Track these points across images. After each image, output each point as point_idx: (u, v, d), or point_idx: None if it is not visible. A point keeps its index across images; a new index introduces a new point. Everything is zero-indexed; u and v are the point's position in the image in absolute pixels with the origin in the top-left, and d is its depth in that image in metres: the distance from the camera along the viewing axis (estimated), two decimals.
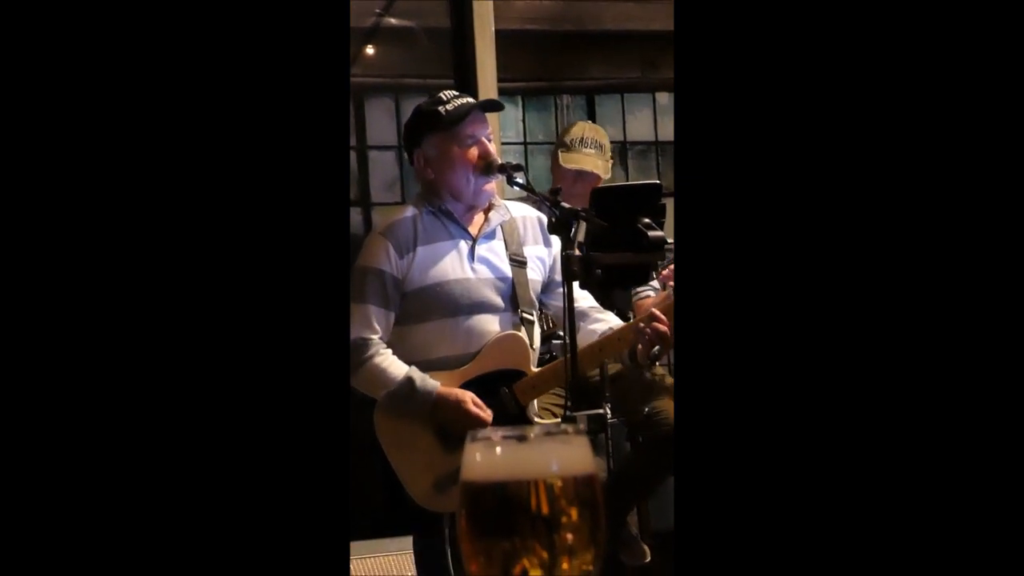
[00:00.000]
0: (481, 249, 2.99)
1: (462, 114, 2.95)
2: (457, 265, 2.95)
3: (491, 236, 3.01)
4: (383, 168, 5.19)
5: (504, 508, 0.81)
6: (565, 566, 0.81)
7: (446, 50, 4.44)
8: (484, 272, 2.97)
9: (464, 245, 2.98)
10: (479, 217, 3.03)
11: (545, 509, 0.80)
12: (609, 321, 3.02)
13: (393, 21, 4.67)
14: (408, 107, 5.14)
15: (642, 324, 2.82)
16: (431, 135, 3.00)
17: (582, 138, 3.70)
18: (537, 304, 3.04)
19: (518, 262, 3.01)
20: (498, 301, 2.97)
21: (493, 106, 3.11)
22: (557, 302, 3.03)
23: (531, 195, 3.00)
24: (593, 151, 3.69)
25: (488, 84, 4.22)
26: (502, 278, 2.98)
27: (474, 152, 2.93)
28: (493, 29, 4.26)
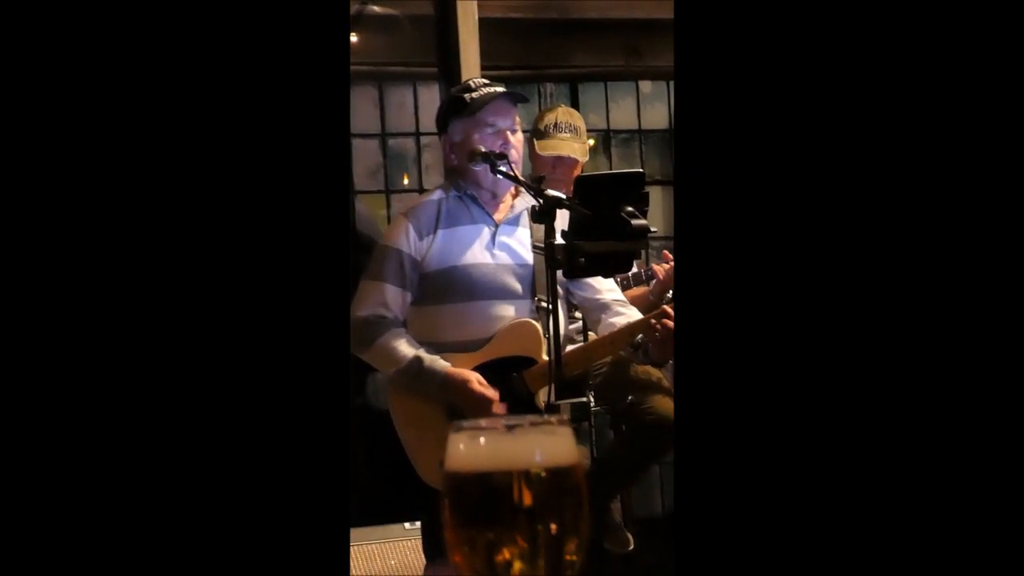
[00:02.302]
0: (503, 235, 3.01)
1: (483, 102, 2.98)
2: (477, 250, 2.98)
3: (515, 223, 3.03)
4: (366, 156, 5.17)
5: (488, 498, 0.81)
6: (548, 556, 0.81)
7: (430, 38, 4.42)
8: (504, 258, 2.99)
9: (487, 230, 3.00)
10: (505, 204, 3.05)
11: (528, 500, 0.81)
12: (629, 315, 3.04)
13: (376, 8, 4.65)
14: (391, 95, 5.13)
15: (653, 320, 2.83)
16: (456, 121, 3.03)
17: (556, 123, 3.70)
18: (556, 292, 3.06)
19: (541, 250, 3.02)
20: (516, 288, 2.99)
21: (517, 97, 3.13)
22: (583, 292, 3.05)
23: (515, 183, 3.00)
24: (568, 135, 3.68)
25: (472, 72, 4.21)
26: (522, 265, 3.00)
27: (494, 142, 2.95)
28: (477, 17, 4.25)
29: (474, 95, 3.02)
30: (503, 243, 3.01)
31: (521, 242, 3.03)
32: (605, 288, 3.06)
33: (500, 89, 3.07)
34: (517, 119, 3.06)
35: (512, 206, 3.05)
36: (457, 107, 3.03)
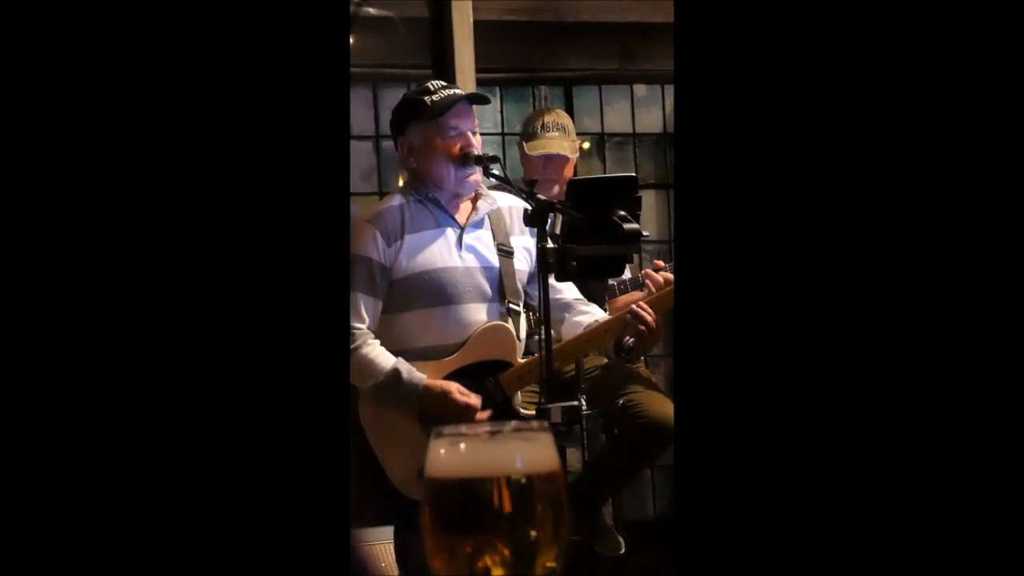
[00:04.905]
0: (469, 238, 2.99)
1: (447, 105, 2.95)
2: (445, 253, 2.95)
3: (479, 225, 3.01)
4: (360, 158, 5.17)
5: (468, 505, 0.81)
6: (529, 563, 0.81)
7: (424, 40, 4.42)
8: (471, 261, 2.97)
9: (452, 233, 2.98)
10: (466, 206, 3.03)
11: (508, 506, 0.81)
12: (594, 313, 3.02)
13: (371, 10, 4.65)
14: (386, 97, 5.12)
15: (628, 316, 2.82)
16: (415, 124, 3.00)
17: (544, 123, 3.70)
18: (523, 295, 3.05)
19: (505, 252, 3.01)
20: (486, 290, 2.97)
21: (479, 99, 3.11)
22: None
23: (507, 187, 3.00)
24: (557, 134, 3.68)
25: (466, 75, 4.21)
26: (489, 267, 2.98)
27: (456, 144, 2.93)
28: (471, 19, 4.25)
29: (434, 98, 2.99)
30: (469, 246, 2.99)
31: (486, 244, 3.02)
32: (565, 288, 3.05)
33: (460, 92, 3.06)
34: (476, 120, 3.05)
35: (475, 208, 3.03)
36: (417, 110, 3.01)
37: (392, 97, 5.11)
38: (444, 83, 3.12)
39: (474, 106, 3.05)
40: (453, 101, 2.96)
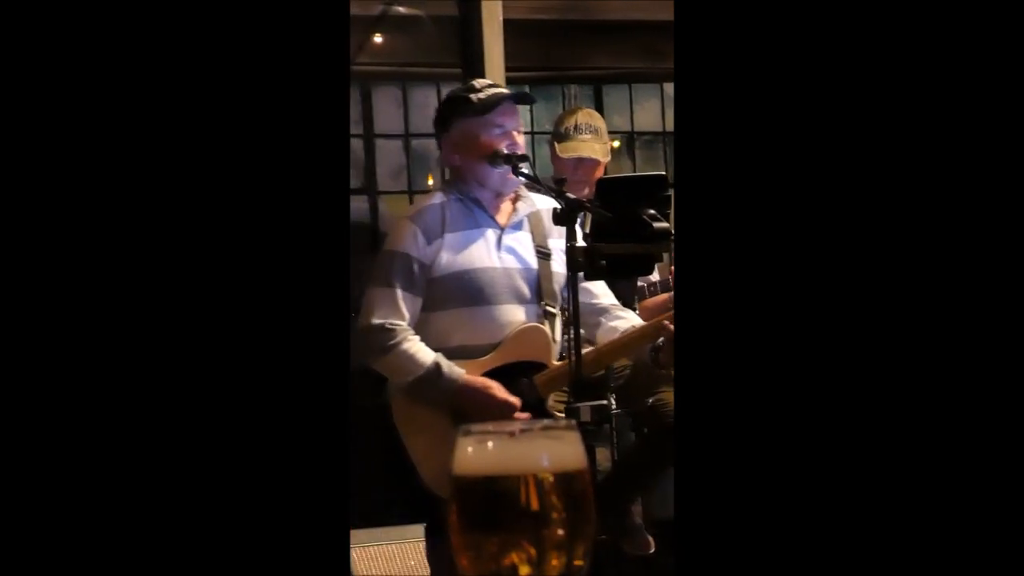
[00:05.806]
0: (508, 239, 2.98)
1: (492, 103, 2.94)
2: (484, 254, 2.95)
3: (518, 227, 3.01)
4: (390, 157, 5.19)
5: (494, 503, 0.81)
6: (555, 561, 0.81)
7: (454, 39, 4.43)
8: (511, 262, 2.97)
9: (492, 234, 2.97)
10: (507, 206, 3.02)
11: (535, 504, 0.81)
12: (630, 319, 3.02)
13: (401, 9, 4.67)
14: (415, 96, 5.14)
15: (666, 322, 2.81)
16: (459, 121, 2.99)
17: (576, 125, 3.67)
18: (560, 297, 3.04)
19: (543, 254, 3.00)
20: (523, 292, 2.96)
21: (525, 99, 3.09)
22: (580, 297, 3.03)
23: (536, 186, 2.99)
24: (589, 136, 3.66)
25: (496, 74, 4.21)
26: (528, 269, 2.97)
27: (502, 142, 2.92)
28: (501, 18, 4.25)
29: (480, 95, 2.98)
30: (509, 247, 2.99)
31: (525, 246, 3.01)
32: (601, 293, 3.04)
33: (505, 90, 3.05)
34: (520, 120, 3.04)
35: (515, 209, 3.03)
36: (462, 107, 3.00)
37: (421, 96, 5.13)
38: (490, 82, 3.11)
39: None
40: (499, 99, 2.95)
